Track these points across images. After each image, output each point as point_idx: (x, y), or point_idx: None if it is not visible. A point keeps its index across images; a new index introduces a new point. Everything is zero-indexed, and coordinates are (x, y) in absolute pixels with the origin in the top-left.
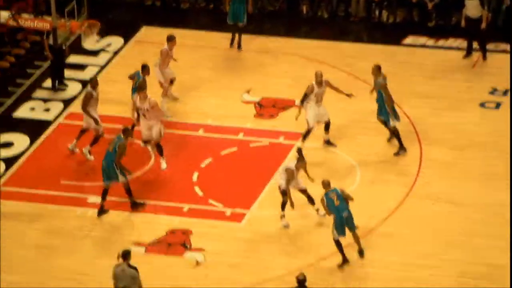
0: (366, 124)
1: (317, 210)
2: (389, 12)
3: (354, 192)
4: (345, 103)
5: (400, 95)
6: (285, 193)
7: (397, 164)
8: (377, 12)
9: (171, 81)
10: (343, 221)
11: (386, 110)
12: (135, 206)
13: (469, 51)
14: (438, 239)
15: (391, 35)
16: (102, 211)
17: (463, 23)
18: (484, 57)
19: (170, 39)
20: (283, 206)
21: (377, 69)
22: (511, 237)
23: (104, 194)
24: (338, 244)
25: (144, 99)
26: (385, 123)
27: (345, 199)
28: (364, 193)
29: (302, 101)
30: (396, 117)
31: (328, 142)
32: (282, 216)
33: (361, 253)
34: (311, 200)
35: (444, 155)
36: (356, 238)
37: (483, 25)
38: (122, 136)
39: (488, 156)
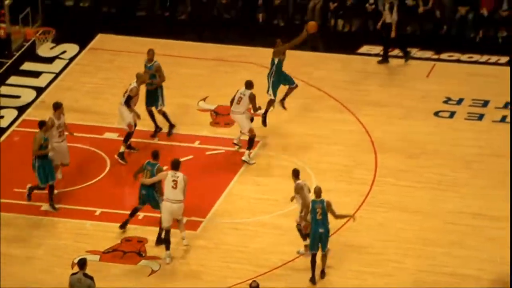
0: (322, 132)
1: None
2: (345, 21)
3: None
4: (301, 111)
5: (355, 103)
6: None
7: (352, 173)
8: (332, 21)
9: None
10: (317, 236)
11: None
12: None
13: (385, 57)
14: (393, 247)
15: (346, 44)
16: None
17: (379, 25)
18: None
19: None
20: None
21: None
22: (511, 240)
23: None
24: (312, 258)
25: None
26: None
27: (326, 214)
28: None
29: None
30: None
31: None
32: None
33: (322, 273)
34: None
35: (399, 163)
36: (324, 259)
37: (393, 33)
38: (153, 161)
39: (442, 164)
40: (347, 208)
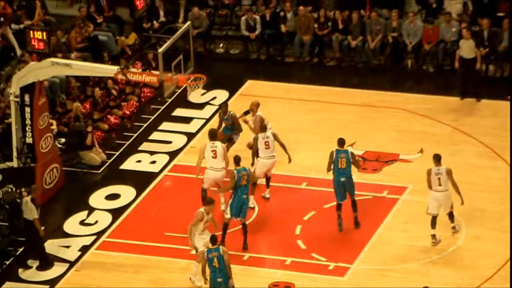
0: (472, 179)
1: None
2: (496, 67)
3: (459, 247)
4: (450, 157)
5: (507, 150)
6: None
7: (503, 220)
8: (484, 67)
9: None
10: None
11: None
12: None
13: (464, 93)
14: None
15: (498, 90)
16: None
17: (456, 64)
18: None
19: None
20: None
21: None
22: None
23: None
24: None
25: None
26: None
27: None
28: (469, 249)
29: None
30: None
31: None
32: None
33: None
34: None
35: None
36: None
37: (478, 65)
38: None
39: None
40: (497, 256)
